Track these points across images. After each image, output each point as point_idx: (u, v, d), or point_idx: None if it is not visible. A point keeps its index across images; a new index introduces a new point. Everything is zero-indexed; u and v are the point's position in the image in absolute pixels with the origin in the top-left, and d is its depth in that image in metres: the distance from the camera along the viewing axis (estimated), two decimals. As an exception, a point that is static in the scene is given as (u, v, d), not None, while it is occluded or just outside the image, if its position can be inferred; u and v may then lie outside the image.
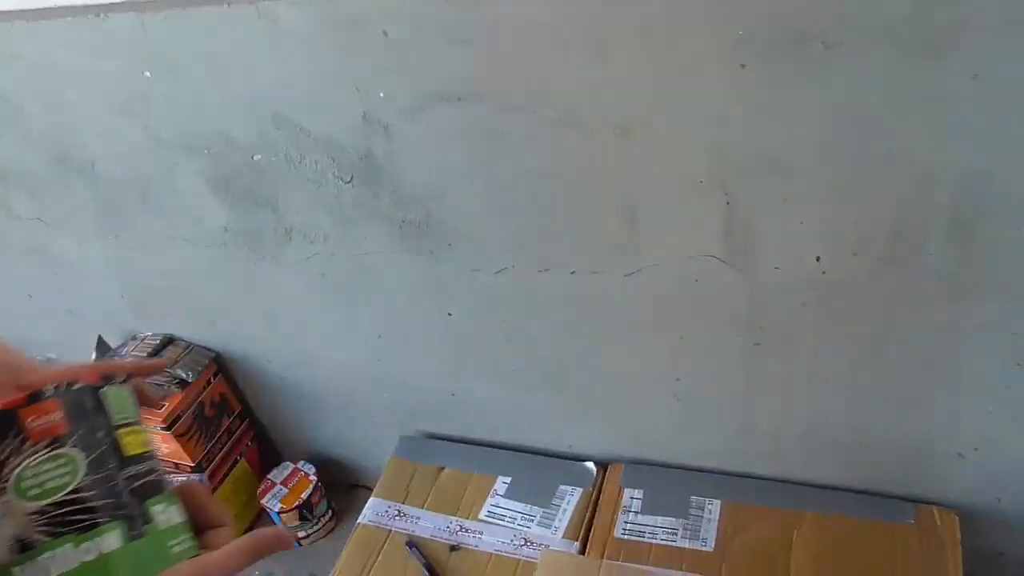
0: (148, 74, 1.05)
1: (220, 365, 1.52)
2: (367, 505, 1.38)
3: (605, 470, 1.33)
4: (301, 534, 1.58)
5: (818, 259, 0.94)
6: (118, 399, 0.48)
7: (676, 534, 1.19)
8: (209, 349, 1.51)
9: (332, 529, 1.63)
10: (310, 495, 1.55)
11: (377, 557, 1.28)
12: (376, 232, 1.12)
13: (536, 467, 1.36)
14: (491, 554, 1.25)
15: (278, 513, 1.54)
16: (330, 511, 1.62)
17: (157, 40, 1.01)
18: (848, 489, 1.20)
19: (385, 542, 1.31)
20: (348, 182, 1.07)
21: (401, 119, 0.98)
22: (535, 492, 1.32)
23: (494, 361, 1.28)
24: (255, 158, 1.10)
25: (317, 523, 1.59)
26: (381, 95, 0.97)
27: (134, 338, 1.52)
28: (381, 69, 0.94)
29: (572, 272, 1.08)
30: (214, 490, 1.56)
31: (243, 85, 1.02)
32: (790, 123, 0.83)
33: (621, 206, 0.98)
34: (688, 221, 0.96)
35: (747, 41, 0.79)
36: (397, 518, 1.34)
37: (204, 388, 1.49)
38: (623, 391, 1.22)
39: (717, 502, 1.22)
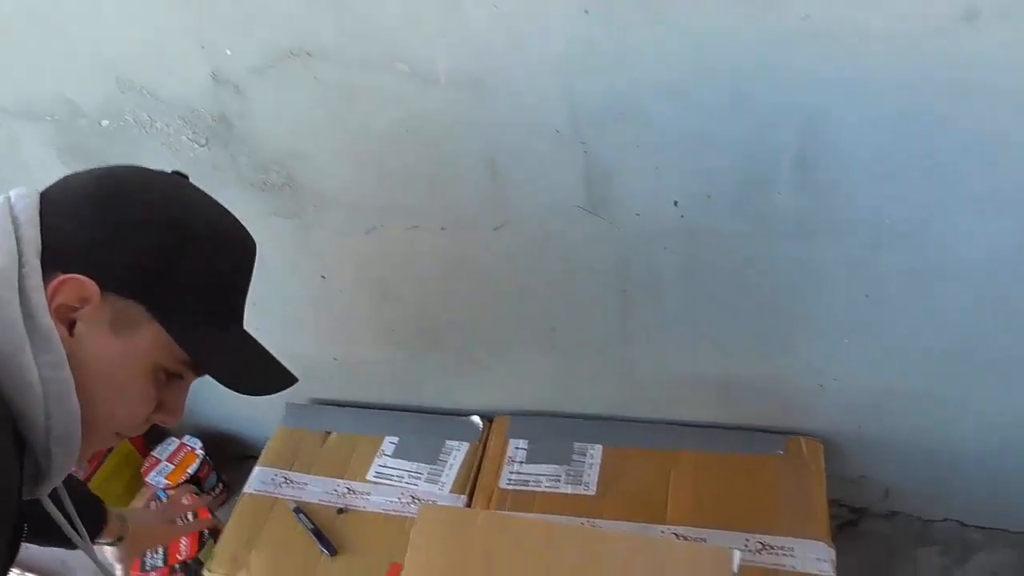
0: (-25, 36, 0.98)
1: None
2: (252, 474, 1.36)
3: (491, 423, 1.34)
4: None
5: (676, 204, 0.96)
6: None
7: (559, 480, 1.22)
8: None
9: (224, 502, 1.60)
10: (197, 469, 1.52)
11: (263, 525, 1.27)
12: (238, 197, 1.08)
13: (423, 425, 1.37)
14: (379, 514, 1.25)
15: (164, 490, 1.50)
16: (220, 484, 1.59)
17: (-18, 0, 0.94)
18: (722, 426, 1.24)
19: (272, 509, 1.29)
20: (203, 145, 1.04)
21: (251, 77, 0.95)
22: (422, 450, 1.32)
23: (372, 322, 1.26)
24: (103, 124, 1.05)
25: (208, 496, 1.56)
26: (228, 52, 0.93)
27: None
28: (226, 24, 0.90)
29: (442, 228, 1.07)
30: (95, 470, 1.51)
31: (82, 46, 0.97)
32: (637, 70, 0.84)
33: (483, 159, 0.97)
34: (549, 172, 0.96)
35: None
36: (284, 485, 1.32)
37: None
38: (501, 344, 1.23)
39: (598, 447, 1.25)
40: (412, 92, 0.91)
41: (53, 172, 1.10)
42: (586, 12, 0.80)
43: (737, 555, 0.81)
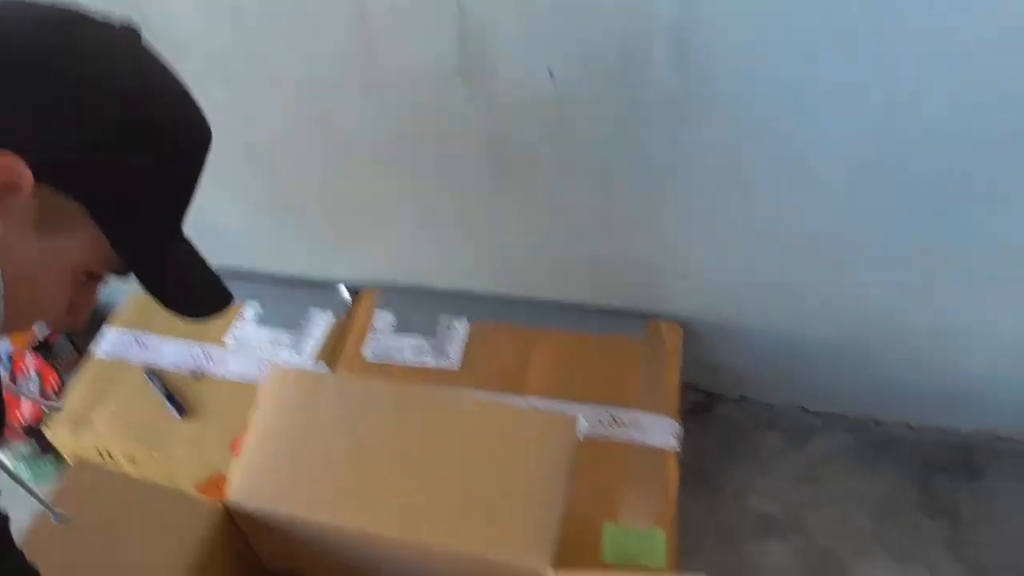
0: None
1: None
2: (102, 336, 1.29)
3: (359, 295, 1.32)
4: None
5: (551, 74, 0.93)
6: None
7: (423, 353, 1.21)
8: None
9: (76, 363, 1.53)
10: (48, 333, 1.44)
11: (112, 388, 1.22)
12: None
13: (288, 293, 1.32)
14: (236, 381, 1.22)
15: (9, 357, 1.42)
16: (73, 347, 1.52)
17: None
18: (587, 307, 1.26)
19: (122, 373, 1.24)
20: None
21: None
22: (286, 318, 1.29)
23: (236, 188, 1.20)
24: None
25: (60, 361, 1.49)
26: None
27: None
28: None
29: (307, 83, 1.01)
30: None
31: None
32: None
33: (351, 7, 0.91)
34: (421, 29, 0.91)
35: None
36: (136, 348, 1.27)
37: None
38: (369, 215, 1.19)
39: (464, 321, 1.24)
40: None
41: None
42: None
43: (583, 421, 0.83)
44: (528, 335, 1.22)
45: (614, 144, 1.00)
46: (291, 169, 1.15)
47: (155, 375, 1.22)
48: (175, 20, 0.97)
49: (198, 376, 1.22)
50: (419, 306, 1.27)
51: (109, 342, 1.28)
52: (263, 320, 1.29)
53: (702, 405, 1.45)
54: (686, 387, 1.44)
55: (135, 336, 1.28)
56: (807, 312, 1.17)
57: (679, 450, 1.09)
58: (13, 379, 1.33)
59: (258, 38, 0.97)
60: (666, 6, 0.83)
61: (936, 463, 1.37)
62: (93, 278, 0.57)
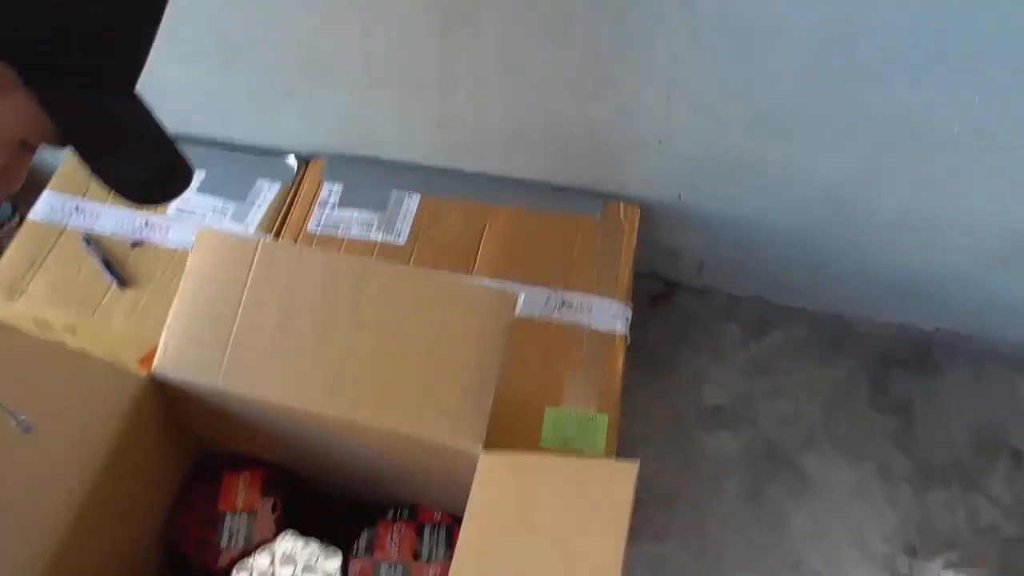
0: None
1: None
2: (39, 199, 1.23)
3: (307, 165, 1.26)
4: (-22, 237, 1.42)
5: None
6: None
7: (371, 228, 1.16)
8: None
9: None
10: (-17, 193, 1.38)
11: (47, 256, 1.17)
12: None
13: (233, 161, 1.26)
14: (176, 250, 1.17)
15: (-55, 214, 1.36)
16: (16, 216, 1.46)
17: None
18: (543, 184, 1.20)
19: (58, 239, 1.19)
20: None
21: None
22: (230, 186, 1.23)
23: (180, 40, 1.12)
24: None
25: (1, 229, 1.44)
26: None
27: None
28: None
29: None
30: None
31: None
32: None
33: None
34: None
35: None
36: (74, 214, 1.21)
37: None
38: (314, 76, 1.12)
39: (416, 195, 1.19)
40: None
41: None
42: None
43: (521, 297, 0.79)
44: (480, 210, 1.17)
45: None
46: (235, 19, 1.07)
47: (94, 242, 1.17)
48: None
49: (138, 244, 1.17)
50: (369, 178, 1.22)
51: (46, 206, 1.22)
52: (207, 188, 1.23)
53: (662, 293, 1.42)
54: (647, 275, 1.40)
55: (75, 202, 1.22)
56: (768, 196, 1.13)
57: (628, 335, 1.06)
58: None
59: None
60: None
61: (894, 359, 1.36)
62: (27, 147, 0.52)
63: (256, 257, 0.85)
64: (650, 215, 1.19)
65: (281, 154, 1.26)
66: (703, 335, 1.39)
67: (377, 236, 1.15)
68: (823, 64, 0.90)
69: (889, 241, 1.15)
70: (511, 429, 0.78)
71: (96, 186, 1.22)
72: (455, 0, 0.95)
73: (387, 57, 1.06)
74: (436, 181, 1.21)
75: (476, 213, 1.17)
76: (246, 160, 1.26)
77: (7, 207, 1.44)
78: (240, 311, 0.81)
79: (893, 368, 1.35)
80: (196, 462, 0.95)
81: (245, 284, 0.83)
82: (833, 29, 0.86)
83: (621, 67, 0.99)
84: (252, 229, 1.18)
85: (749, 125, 1.01)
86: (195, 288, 0.84)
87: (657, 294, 1.42)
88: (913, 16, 0.82)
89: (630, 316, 1.07)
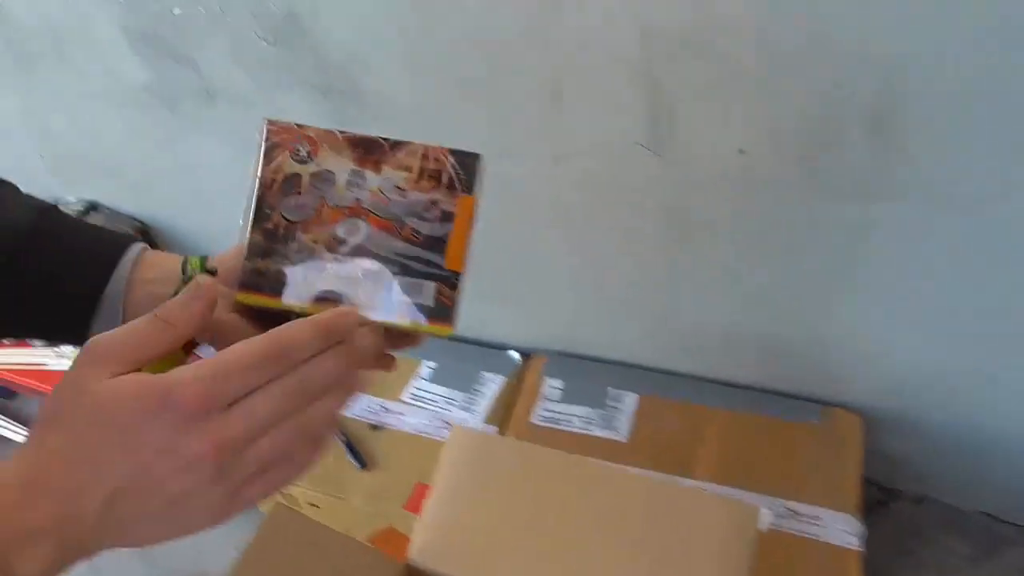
0: (58, -89, 0.98)
1: (146, 237, 1.49)
2: (289, 382, 1.37)
3: (528, 359, 1.34)
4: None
5: (741, 151, 0.93)
6: None
7: (591, 423, 1.21)
8: (135, 219, 1.47)
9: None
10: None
11: (296, 432, 1.29)
12: (301, 99, 1.08)
13: (461, 354, 1.37)
14: (412, 434, 1.26)
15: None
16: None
17: None
18: (759, 388, 1.22)
19: (305, 418, 1.31)
20: (271, 43, 1.03)
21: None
22: (458, 377, 1.32)
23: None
24: (175, 12, 1.04)
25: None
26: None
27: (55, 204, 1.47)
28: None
29: (498, 155, 1.05)
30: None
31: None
32: (720, 4, 0.81)
33: (547, 81, 0.95)
34: (613, 103, 0.94)
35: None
36: (319, 396, 1.34)
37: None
38: (543, 279, 1.22)
39: (633, 395, 1.24)
40: (482, 3, 0.89)
41: (120, 54, 1.12)
42: (674, -62, 0.77)
43: (766, 513, 0.80)
44: (697, 413, 1.20)
45: (802, 222, 0.98)
46: (491, 237, 1.19)
47: (338, 424, 1.28)
48: (383, 83, 1.03)
49: (376, 427, 1.27)
50: (588, 375, 1.28)
51: (294, 388, 1.35)
52: (438, 378, 1.33)
53: (878, 500, 1.37)
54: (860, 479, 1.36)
55: (318, 384, 1.35)
56: (1005, 406, 1.09)
57: (863, 550, 1.03)
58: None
59: (457, 102, 1.02)
60: (867, 89, 0.81)
61: None
62: None
63: (505, 455, 0.92)
64: (869, 421, 1.18)
65: (504, 348, 1.36)
66: (925, 550, 1.31)
67: (597, 432, 1.20)
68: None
69: None
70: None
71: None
72: (687, 227, 1.03)
73: (615, 270, 1.14)
74: (652, 381, 1.25)
75: (692, 415, 1.20)
76: (472, 353, 1.37)
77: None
78: (491, 507, 0.87)
79: None
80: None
81: (496, 480, 0.89)
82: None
83: (846, 287, 1.02)
84: (479, 419, 1.26)
85: (978, 338, 1.01)
86: (449, 482, 0.91)
87: (872, 501, 1.36)
88: None
89: (864, 531, 1.04)
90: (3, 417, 1.56)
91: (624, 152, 0.97)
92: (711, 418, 1.19)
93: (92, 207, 1.46)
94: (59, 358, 1.48)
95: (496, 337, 1.37)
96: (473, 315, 1.35)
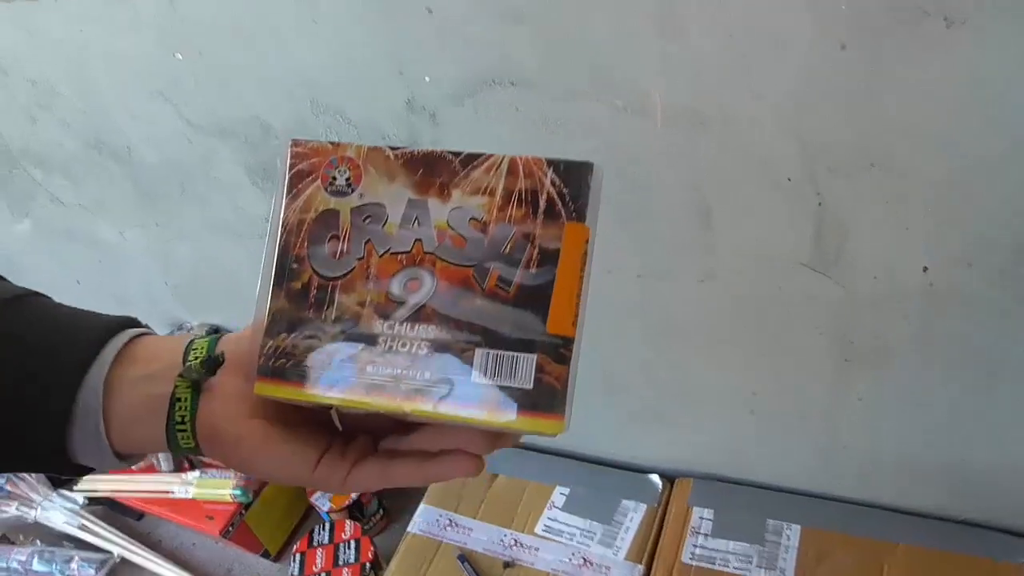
0: (179, 56, 0.97)
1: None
2: (417, 512, 1.30)
3: (672, 485, 1.22)
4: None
5: (925, 269, 0.81)
6: None
7: (751, 561, 1.08)
8: (256, 341, 1.44)
9: (384, 528, 1.56)
10: (359, 495, 1.48)
11: (427, 568, 1.21)
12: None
13: (597, 478, 1.26)
14: (548, 573, 1.15)
15: (327, 512, 1.48)
16: (381, 510, 1.56)
17: (187, 20, 0.93)
18: (948, 519, 1.07)
19: (436, 553, 1.23)
20: (392, 174, 0.98)
21: (447, 104, 0.88)
22: (596, 506, 1.22)
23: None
24: (294, 146, 1.01)
25: (368, 523, 1.53)
26: (427, 79, 0.87)
27: (180, 328, 1.47)
28: (426, 51, 0.84)
29: (638, 276, 0.97)
30: (261, 488, 1.51)
31: (279, 68, 0.93)
32: (898, 113, 0.71)
33: (693, 204, 0.86)
34: (772, 223, 0.84)
35: (850, 17, 0.66)
36: (449, 528, 1.26)
37: (251, 382, 1.44)
38: (693, 401, 1.11)
39: (796, 527, 1.10)
40: (619, 125, 0.82)
41: (241, 188, 1.11)
42: (843, 47, 0.68)
43: None
44: (874, 548, 1.05)
45: (997, 341, 0.85)
46: (612, 350, 1.10)
47: (467, 559, 1.20)
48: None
49: (509, 564, 1.18)
50: (741, 503, 1.15)
51: (423, 519, 1.28)
52: (572, 507, 1.23)
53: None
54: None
55: (448, 516, 1.27)
56: None
57: None
58: (334, 545, 1.37)
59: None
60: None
61: None
62: None
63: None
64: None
65: (643, 471, 1.25)
66: None
67: (759, 572, 1.07)
68: None
69: None
70: None
71: (467, 500, 1.27)
72: (859, 347, 0.91)
73: (773, 390, 1.03)
74: (817, 511, 1.11)
75: (869, 551, 1.05)
76: (609, 476, 1.26)
77: (375, 503, 1.53)
78: None
79: None
80: None
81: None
82: None
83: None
84: (622, 554, 1.14)
85: None
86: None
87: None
88: None
89: None
90: (132, 540, 1.54)
91: (785, 271, 0.87)
92: (892, 554, 1.04)
93: (214, 330, 1.45)
94: (185, 485, 1.46)
95: (635, 459, 1.27)
96: (610, 436, 1.26)
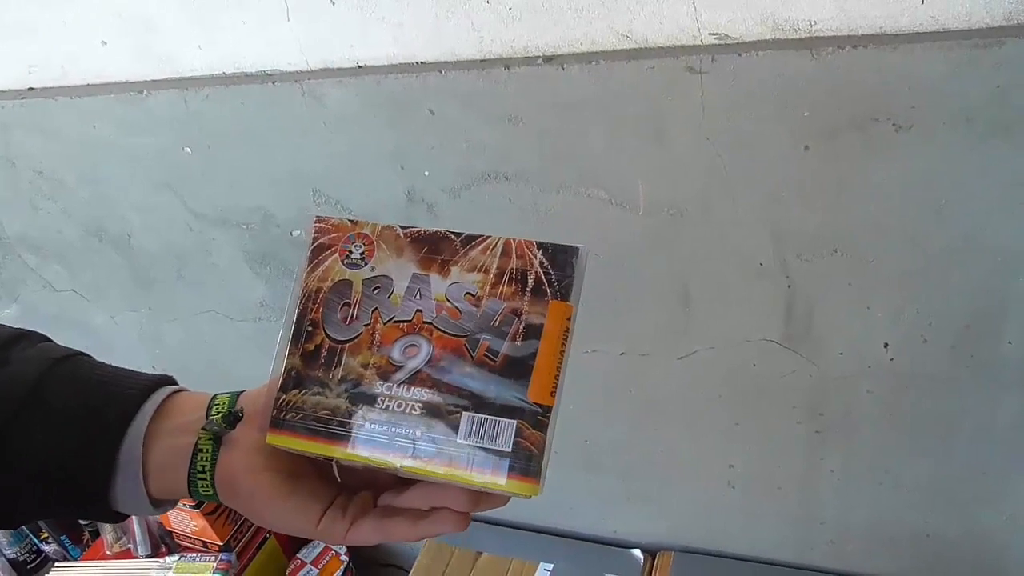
0: (189, 150, 1.03)
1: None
2: (401, 591, 1.31)
3: (653, 559, 1.26)
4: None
5: (886, 345, 0.89)
6: None
7: (731, 632, 1.12)
8: (241, 423, 1.46)
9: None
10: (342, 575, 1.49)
11: (412, 649, 1.22)
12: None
13: (579, 554, 1.29)
14: (533, 649, 1.18)
15: (308, 592, 1.48)
16: (357, 587, 1.56)
17: (199, 117, 0.99)
18: (915, 587, 1.12)
19: (420, 633, 1.24)
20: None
21: (445, 197, 0.95)
22: (579, 582, 1.25)
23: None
24: (294, 234, 1.07)
25: (348, 604, 1.53)
26: (426, 174, 0.94)
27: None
28: (427, 147, 0.91)
29: (621, 353, 1.03)
30: (243, 569, 1.51)
31: (284, 161, 1.00)
32: (856, 206, 0.79)
33: (673, 287, 0.93)
34: (746, 304, 0.91)
35: (812, 122, 0.75)
36: (433, 606, 1.27)
37: (235, 464, 1.45)
38: (672, 476, 1.16)
39: (774, 597, 1.14)
40: (605, 216, 0.89)
41: (239, 274, 1.15)
42: (806, 148, 0.76)
43: None
44: (849, 617, 1.10)
45: (953, 413, 0.92)
46: (593, 427, 1.15)
47: (452, 637, 1.21)
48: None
49: (495, 642, 1.20)
50: (720, 575, 1.19)
51: (407, 597, 1.29)
52: (556, 583, 1.25)
53: None
54: None
55: (432, 593, 1.29)
56: None
57: None
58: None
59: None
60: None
61: None
62: None
63: None
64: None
65: (625, 547, 1.28)
66: None
67: (740, 643, 1.10)
68: None
69: None
70: None
71: (452, 571, 1.28)
72: (829, 421, 0.98)
73: (749, 464, 1.09)
74: (793, 580, 1.16)
75: (845, 618, 1.10)
76: (591, 552, 1.29)
77: (355, 586, 1.54)
78: None
79: None
80: None
81: None
82: None
83: (1007, 477, 0.95)
84: (605, 629, 1.17)
85: None
86: None
87: None
88: None
89: None
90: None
91: (759, 348, 0.94)
92: (865, 623, 1.09)
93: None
94: (163, 570, 1.45)
95: (617, 534, 1.30)
96: (592, 512, 1.30)
